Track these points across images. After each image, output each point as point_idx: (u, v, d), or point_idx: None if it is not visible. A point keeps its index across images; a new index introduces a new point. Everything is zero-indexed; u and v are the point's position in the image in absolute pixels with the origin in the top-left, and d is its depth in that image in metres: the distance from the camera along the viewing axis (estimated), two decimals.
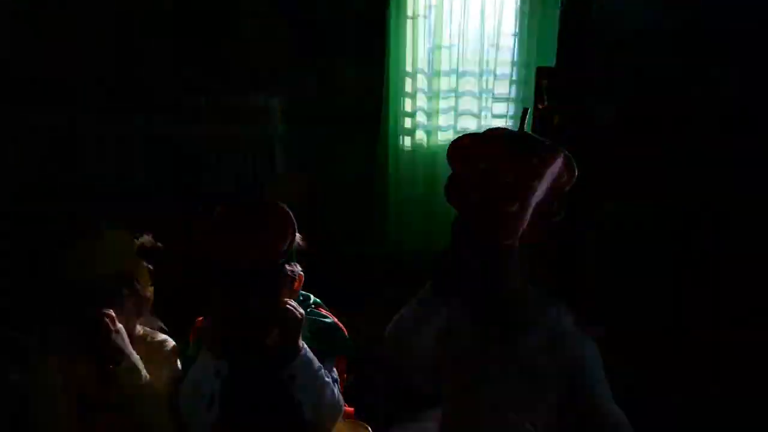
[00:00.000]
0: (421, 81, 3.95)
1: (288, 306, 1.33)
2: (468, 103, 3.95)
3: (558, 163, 1.13)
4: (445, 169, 4.13)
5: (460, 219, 1.13)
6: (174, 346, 1.49)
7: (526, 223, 1.10)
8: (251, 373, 1.37)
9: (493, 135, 1.13)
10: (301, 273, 1.45)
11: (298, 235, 1.43)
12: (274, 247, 1.34)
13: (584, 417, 1.16)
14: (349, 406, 1.59)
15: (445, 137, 4.02)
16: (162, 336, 1.50)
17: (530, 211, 1.10)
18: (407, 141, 4.07)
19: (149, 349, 1.45)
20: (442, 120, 4.00)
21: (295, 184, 3.99)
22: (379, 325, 3.24)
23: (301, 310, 1.35)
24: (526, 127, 1.23)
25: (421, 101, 3.98)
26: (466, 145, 1.13)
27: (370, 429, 1.41)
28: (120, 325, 1.34)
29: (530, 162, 1.09)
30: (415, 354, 1.27)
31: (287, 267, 1.37)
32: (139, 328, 1.48)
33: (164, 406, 1.37)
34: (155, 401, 1.35)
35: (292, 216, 1.40)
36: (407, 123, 4.03)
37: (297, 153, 4.11)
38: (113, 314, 1.33)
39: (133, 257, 1.43)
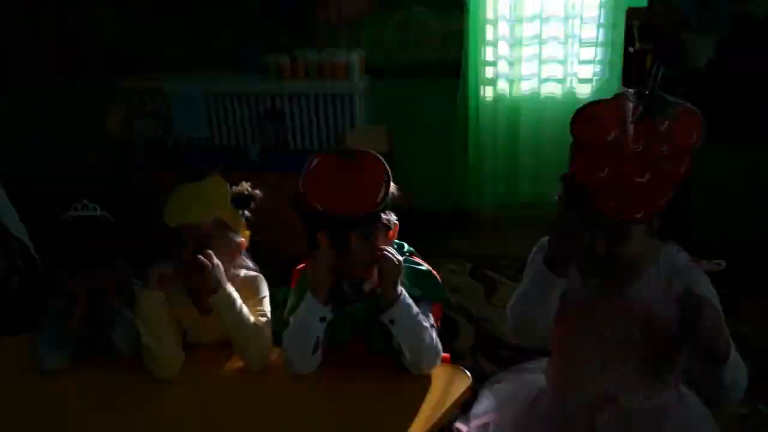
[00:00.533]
0: (503, 28, 3.82)
1: (386, 252, 1.36)
2: (553, 50, 3.80)
3: (687, 123, 1.07)
4: (528, 120, 4.06)
5: (582, 193, 1.08)
6: (264, 282, 1.57)
7: (658, 194, 1.06)
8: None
9: (621, 100, 1.07)
10: (396, 222, 1.47)
11: (393, 185, 1.45)
12: (371, 196, 1.37)
13: (702, 352, 1.11)
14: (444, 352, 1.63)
15: (529, 86, 3.90)
16: (253, 273, 1.57)
17: (663, 185, 1.06)
18: (489, 91, 3.98)
19: (242, 284, 1.52)
20: (526, 68, 3.87)
21: (374, 135, 4.01)
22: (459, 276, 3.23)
23: (399, 257, 1.38)
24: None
25: (503, 49, 3.86)
26: (592, 113, 1.07)
27: (468, 373, 1.44)
28: (217, 261, 1.42)
29: (660, 127, 1.04)
30: (539, 326, 1.28)
31: (383, 216, 1.40)
32: (233, 270, 1.56)
33: (260, 334, 1.45)
34: (253, 329, 1.44)
35: (386, 165, 1.42)
36: (489, 72, 3.94)
37: (377, 105, 4.12)
38: (211, 252, 1.41)
39: (225, 204, 1.49)
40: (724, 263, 1.17)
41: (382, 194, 1.38)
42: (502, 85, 3.91)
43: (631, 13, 3.58)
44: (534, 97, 3.88)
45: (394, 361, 1.42)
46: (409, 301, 1.38)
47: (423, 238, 3.86)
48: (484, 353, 2.70)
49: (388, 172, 1.41)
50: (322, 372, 1.44)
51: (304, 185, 1.39)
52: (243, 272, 1.57)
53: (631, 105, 1.06)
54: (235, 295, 1.44)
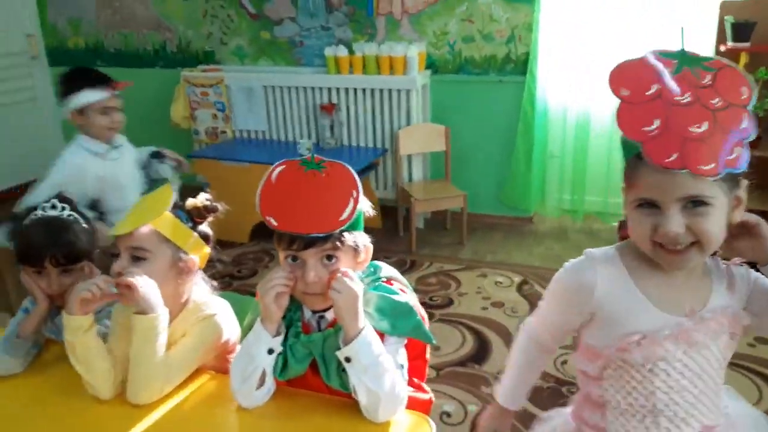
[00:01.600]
0: (579, 22, 3.50)
1: (339, 277, 1.18)
2: (633, 48, 3.43)
3: (732, 77, 0.97)
4: (599, 126, 3.70)
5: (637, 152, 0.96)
6: (217, 326, 1.39)
7: (726, 146, 0.93)
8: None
9: (654, 56, 0.98)
10: (369, 245, 1.28)
11: (367, 202, 1.27)
12: (334, 213, 1.19)
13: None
14: (426, 391, 1.43)
15: (603, 88, 3.54)
16: (213, 312, 1.39)
17: (726, 136, 0.93)
18: (558, 91, 3.66)
19: (189, 318, 1.38)
20: (601, 68, 3.52)
21: (430, 133, 3.80)
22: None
23: (357, 284, 1.19)
24: None
25: (578, 47, 3.53)
26: (626, 70, 0.98)
27: (433, 424, 1.24)
28: (146, 281, 1.27)
29: (702, 80, 0.95)
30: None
31: (347, 236, 1.22)
32: (194, 301, 1.41)
33: (151, 374, 1.29)
34: (148, 368, 1.29)
35: (357, 180, 1.23)
36: (559, 71, 3.62)
37: (437, 101, 3.92)
38: (136, 270, 1.28)
39: (162, 215, 1.32)
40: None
41: (348, 212, 1.19)
42: (574, 86, 3.59)
43: (725, 8, 3.16)
44: (608, 101, 3.53)
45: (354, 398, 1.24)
46: (371, 338, 1.20)
47: (475, 245, 3.68)
48: None
49: (358, 187, 1.22)
50: (272, 403, 1.28)
51: (259, 196, 1.23)
52: (201, 310, 1.40)
53: (661, 60, 0.97)
54: (162, 328, 1.28)
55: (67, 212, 1.49)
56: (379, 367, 1.19)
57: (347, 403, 1.26)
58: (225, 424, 1.30)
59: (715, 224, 0.96)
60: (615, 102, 3.41)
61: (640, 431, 1.10)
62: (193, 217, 1.37)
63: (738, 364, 2.44)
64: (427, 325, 1.33)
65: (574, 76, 3.58)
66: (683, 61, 0.97)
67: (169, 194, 1.33)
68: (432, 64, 3.87)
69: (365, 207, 1.26)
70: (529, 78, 3.64)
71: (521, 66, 3.69)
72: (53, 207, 1.48)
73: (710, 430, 1.09)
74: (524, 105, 3.70)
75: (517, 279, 3.28)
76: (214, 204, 1.38)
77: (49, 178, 2.16)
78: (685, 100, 0.94)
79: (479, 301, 3.10)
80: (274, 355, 1.24)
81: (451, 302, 3.08)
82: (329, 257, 1.21)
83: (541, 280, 3.19)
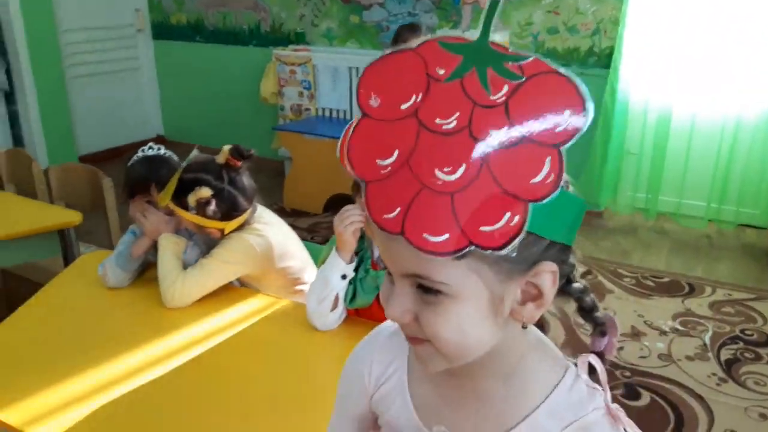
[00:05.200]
0: (668, 20, 3.47)
1: None
2: (724, 51, 3.38)
3: (548, 91, 0.54)
4: (681, 126, 3.65)
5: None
6: (245, 241, 1.61)
7: (484, 210, 0.52)
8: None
9: (431, 47, 0.55)
10: None
11: None
12: None
13: None
14: None
15: (689, 86, 3.50)
16: (242, 232, 1.63)
17: (494, 191, 0.52)
18: (642, 88, 3.64)
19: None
20: (688, 66, 3.48)
21: None
22: None
23: None
24: None
25: (665, 45, 3.50)
26: (392, 65, 0.57)
27: None
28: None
29: (493, 93, 0.53)
30: None
31: None
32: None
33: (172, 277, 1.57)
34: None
35: None
36: (643, 68, 3.60)
37: None
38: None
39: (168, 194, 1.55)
40: None
41: None
42: (657, 83, 3.56)
43: None
44: (692, 102, 3.49)
45: None
46: None
47: None
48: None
49: None
50: (342, 329, 1.44)
51: (340, 143, 1.38)
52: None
53: (441, 56, 0.55)
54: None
55: (163, 151, 1.71)
56: None
57: None
58: (301, 343, 1.45)
59: (450, 325, 0.57)
60: (699, 102, 3.31)
61: None
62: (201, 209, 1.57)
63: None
64: None
65: (658, 74, 3.55)
66: (471, 58, 0.54)
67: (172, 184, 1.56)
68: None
69: None
70: (612, 72, 3.64)
71: (604, 60, 3.69)
72: (150, 148, 1.71)
73: None
74: (605, 99, 3.70)
75: (582, 269, 3.28)
76: (207, 199, 1.56)
77: None
78: (447, 125, 0.53)
79: None
80: (347, 281, 1.39)
81: None
82: None
83: (605, 272, 3.21)
